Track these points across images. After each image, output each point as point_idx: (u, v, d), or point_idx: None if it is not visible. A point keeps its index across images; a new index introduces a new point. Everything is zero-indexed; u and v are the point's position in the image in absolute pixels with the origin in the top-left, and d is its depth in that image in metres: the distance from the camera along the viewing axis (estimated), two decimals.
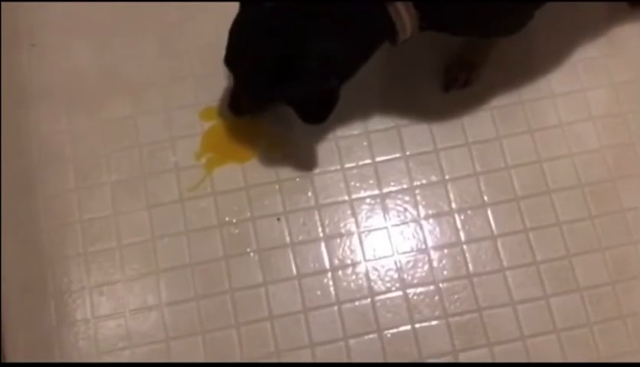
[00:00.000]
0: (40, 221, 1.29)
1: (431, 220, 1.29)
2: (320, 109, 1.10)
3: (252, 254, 1.27)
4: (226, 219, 1.29)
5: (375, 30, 1.07)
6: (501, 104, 1.35)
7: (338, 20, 1.03)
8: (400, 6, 1.02)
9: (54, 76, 1.38)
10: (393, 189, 1.31)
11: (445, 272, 1.26)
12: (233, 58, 1.14)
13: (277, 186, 1.30)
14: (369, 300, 1.25)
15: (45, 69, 1.39)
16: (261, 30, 1.07)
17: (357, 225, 1.29)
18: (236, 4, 1.27)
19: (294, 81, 1.05)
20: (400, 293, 1.25)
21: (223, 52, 1.30)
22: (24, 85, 1.38)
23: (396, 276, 1.26)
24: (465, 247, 1.27)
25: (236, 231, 1.28)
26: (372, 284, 1.25)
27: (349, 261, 1.27)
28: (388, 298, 1.25)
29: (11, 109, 1.35)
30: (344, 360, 1.22)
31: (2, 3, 1.38)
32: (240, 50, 1.11)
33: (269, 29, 1.06)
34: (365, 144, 1.32)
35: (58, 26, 1.41)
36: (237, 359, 1.22)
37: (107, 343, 1.22)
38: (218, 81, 1.36)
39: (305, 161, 1.30)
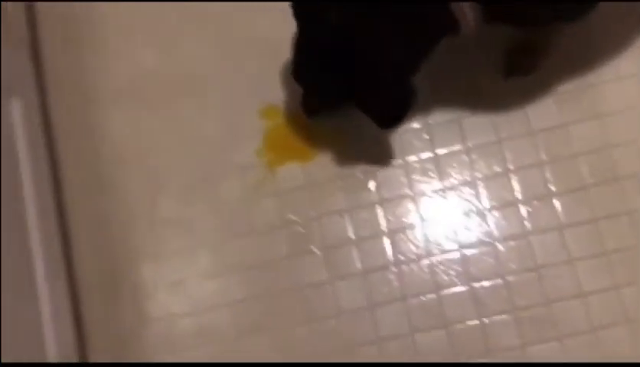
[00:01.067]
0: (112, 222, 1.34)
1: (495, 212, 1.27)
2: (397, 113, 1.11)
3: (317, 251, 1.28)
4: (291, 217, 1.30)
5: (439, 30, 1.06)
6: (565, 89, 1.31)
7: (405, 26, 1.03)
8: (465, 5, 1.00)
9: (120, 78, 1.41)
10: (456, 181, 1.30)
11: (511, 265, 1.24)
12: (304, 73, 1.17)
13: (339, 183, 1.31)
14: (435, 294, 1.25)
15: (111, 71, 1.42)
16: (331, 45, 1.08)
17: (421, 219, 1.29)
18: None
19: (372, 91, 1.07)
20: (466, 287, 1.24)
21: (283, 50, 1.32)
22: (91, 89, 1.41)
23: (461, 270, 1.25)
24: (531, 238, 1.25)
25: (301, 229, 1.29)
26: (437, 278, 1.25)
27: (413, 256, 1.27)
28: (454, 292, 1.24)
29: (81, 112, 1.40)
30: (411, 355, 1.23)
31: (64, 9, 1.42)
32: (312, 66, 1.13)
33: (338, 43, 1.06)
34: (426, 137, 1.31)
35: (120, 31, 1.43)
36: (307, 356, 1.24)
37: (182, 341, 1.27)
38: (279, 80, 1.37)
39: (366, 157, 1.30)
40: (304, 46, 1.13)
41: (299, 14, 1.11)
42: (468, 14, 1.01)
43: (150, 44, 1.43)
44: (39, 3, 1.44)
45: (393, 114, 1.12)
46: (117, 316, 1.29)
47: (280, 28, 1.33)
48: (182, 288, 1.29)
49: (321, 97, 1.20)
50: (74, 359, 1.15)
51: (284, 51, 1.32)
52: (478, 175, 1.29)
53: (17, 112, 1.10)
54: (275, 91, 1.37)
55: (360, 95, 1.11)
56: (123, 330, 1.29)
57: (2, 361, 0.92)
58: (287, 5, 1.26)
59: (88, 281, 1.31)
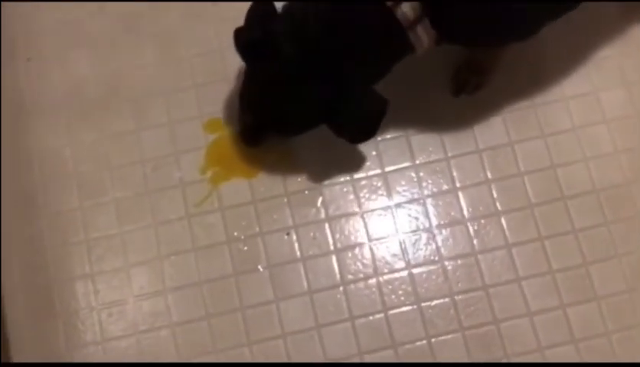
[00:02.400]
0: (45, 240, 1.27)
1: (444, 230, 1.26)
2: (369, 127, 1.11)
3: (262, 270, 1.24)
4: (235, 234, 1.26)
5: (397, 54, 1.08)
6: (512, 108, 1.32)
7: (362, 51, 1.04)
8: (420, 30, 1.01)
9: (53, 90, 1.35)
10: (404, 199, 1.28)
11: (459, 284, 1.23)
12: (264, 109, 1.15)
13: (285, 200, 1.27)
14: (383, 314, 1.23)
15: (43, 83, 1.35)
16: (295, 79, 1.06)
17: (369, 238, 1.26)
18: (236, 8, 1.23)
19: (342, 112, 1.07)
20: (414, 306, 1.23)
21: (224, 60, 1.32)
22: (22, 100, 1.34)
23: (409, 289, 1.23)
24: (479, 257, 1.25)
25: (245, 247, 1.25)
26: (385, 298, 1.23)
27: (361, 275, 1.24)
28: (402, 312, 1.22)
29: (11, 125, 1.32)
30: None
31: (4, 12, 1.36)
32: (274, 101, 1.11)
33: (301, 76, 1.06)
34: (374, 153, 1.30)
35: (55, 38, 1.37)
36: None
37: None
38: (221, 91, 1.33)
39: (313, 173, 1.27)
40: (261, 83, 1.12)
41: (249, 53, 1.10)
42: (422, 38, 1.03)
43: (86, 53, 1.36)
44: None
45: (369, 127, 1.11)
46: (48, 341, 1.22)
47: (219, 37, 1.31)
48: (119, 309, 1.23)
49: (292, 128, 1.18)
50: None
51: (228, 63, 1.31)
52: (427, 193, 1.28)
53: None
54: (218, 103, 1.33)
55: (331, 117, 1.10)
56: (54, 353, 1.21)
57: None
58: (226, 13, 1.28)
59: (17, 303, 1.23)
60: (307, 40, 1.03)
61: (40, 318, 1.23)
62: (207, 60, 1.35)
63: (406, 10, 0.99)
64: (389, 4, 0.99)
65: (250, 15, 1.10)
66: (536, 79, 1.33)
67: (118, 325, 1.22)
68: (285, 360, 1.21)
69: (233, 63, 1.31)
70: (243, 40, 1.10)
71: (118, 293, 1.23)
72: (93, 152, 1.31)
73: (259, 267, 1.24)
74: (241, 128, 1.27)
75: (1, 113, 1.31)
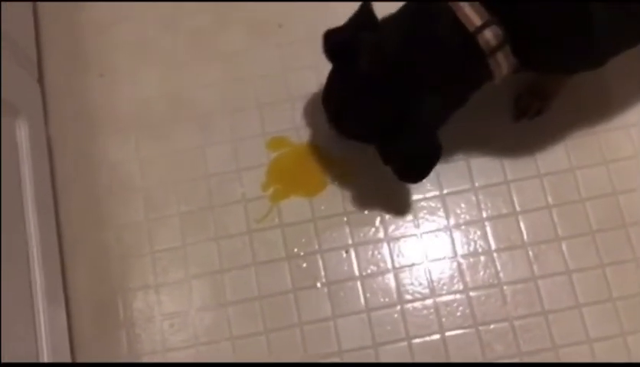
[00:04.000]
0: (110, 251, 1.31)
1: (503, 254, 1.26)
2: (423, 166, 1.09)
3: (320, 286, 1.25)
4: (294, 251, 1.28)
5: (474, 81, 1.06)
6: (574, 134, 1.31)
7: (441, 77, 1.03)
8: (500, 57, 1.00)
9: (123, 105, 1.39)
10: (462, 221, 1.28)
11: (518, 308, 1.23)
12: (335, 112, 1.16)
13: (345, 219, 1.29)
14: (439, 335, 1.23)
15: (114, 98, 1.40)
16: (368, 90, 1.06)
17: (427, 258, 1.27)
18: (299, 31, 1.35)
19: (403, 139, 1.05)
20: (472, 329, 1.22)
21: (287, 82, 1.36)
22: (93, 114, 1.39)
23: (467, 311, 1.23)
24: (539, 282, 1.24)
25: (304, 264, 1.27)
26: (442, 319, 1.23)
27: (419, 295, 1.25)
28: (459, 335, 1.23)
29: (81, 138, 1.37)
30: None
31: (70, 32, 1.40)
32: (344, 108, 1.12)
33: (375, 89, 1.05)
34: (433, 176, 1.30)
35: (126, 56, 1.42)
36: None
37: None
38: (284, 110, 1.36)
39: (373, 193, 1.29)
40: (338, 86, 1.13)
41: (336, 55, 1.11)
42: (502, 65, 1.01)
43: (155, 71, 1.41)
44: (45, 25, 1.41)
45: (420, 169, 1.10)
46: (110, 348, 1.25)
47: (283, 59, 1.35)
48: (180, 321, 1.26)
49: (362, 139, 1.18)
50: None
51: (290, 85, 1.35)
52: (486, 216, 1.28)
53: (23, 133, 1.07)
54: (280, 122, 1.36)
55: (386, 148, 1.10)
56: (116, 361, 1.24)
57: None
58: (291, 36, 1.32)
59: (82, 312, 1.27)
60: (386, 58, 1.03)
61: (105, 327, 1.27)
62: (270, 81, 1.38)
63: (488, 36, 0.98)
64: (472, 30, 0.98)
65: (351, 18, 1.10)
66: (598, 105, 1.33)
67: (179, 336, 1.25)
68: None
69: (296, 84, 1.35)
70: (333, 41, 1.11)
71: (180, 304, 1.26)
72: (159, 167, 1.34)
73: (318, 283, 1.26)
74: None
75: (71, 126, 1.35)
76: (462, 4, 0.98)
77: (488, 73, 1.03)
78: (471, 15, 0.97)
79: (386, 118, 1.05)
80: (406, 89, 1.02)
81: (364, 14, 1.08)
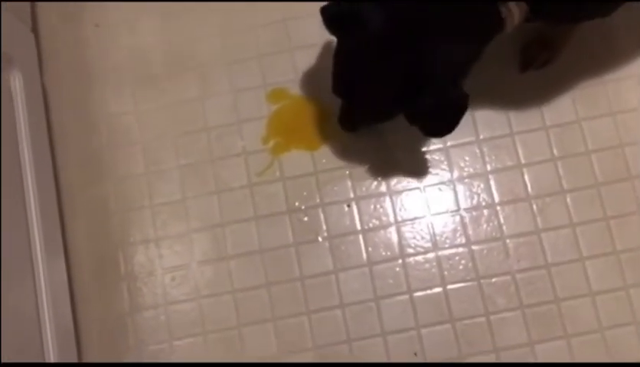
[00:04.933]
0: (110, 204, 1.30)
1: (506, 207, 1.25)
2: (449, 118, 1.03)
3: (322, 240, 1.24)
4: (296, 204, 1.27)
5: (487, 30, 1.01)
6: (580, 85, 1.29)
7: (453, 26, 0.98)
8: (512, 4, 0.97)
9: (120, 56, 1.36)
10: (466, 174, 1.27)
11: (521, 262, 1.22)
12: (349, 87, 1.09)
13: (347, 172, 1.27)
14: (441, 288, 1.22)
15: (110, 49, 1.37)
16: (378, 54, 1.00)
17: (430, 212, 1.26)
18: None
19: (424, 96, 0.99)
20: (474, 283, 1.22)
21: (288, 31, 1.33)
22: (89, 66, 1.36)
23: (470, 265, 1.23)
24: (542, 235, 1.23)
25: (306, 218, 1.25)
26: (444, 272, 1.23)
27: (421, 249, 1.24)
28: (461, 288, 1.22)
29: (78, 90, 1.35)
30: (417, 349, 1.20)
31: None
32: (358, 78, 1.05)
33: (386, 50, 1.00)
34: None
35: (122, 5, 1.38)
36: (309, 346, 1.22)
37: (180, 329, 1.23)
38: (285, 60, 1.33)
39: (375, 147, 1.27)
40: (346, 59, 1.06)
41: (337, 26, 1.06)
42: (514, 13, 0.98)
43: (152, 20, 1.37)
44: None
45: (448, 122, 1.04)
46: (112, 302, 1.25)
47: (285, 8, 1.32)
48: (182, 274, 1.25)
49: (376, 109, 1.11)
50: (71, 341, 1.10)
51: (292, 34, 1.33)
52: (490, 168, 1.26)
53: (18, 84, 1.04)
54: (281, 73, 1.33)
55: (414, 106, 1.02)
56: (118, 316, 1.25)
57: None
58: None
59: (82, 266, 1.26)
60: (395, 14, 0.98)
61: (105, 281, 1.26)
62: (272, 31, 1.35)
63: None
64: None
65: None
66: (606, 55, 1.30)
67: (180, 289, 1.25)
68: (342, 330, 1.21)
69: (297, 34, 1.32)
70: (330, 12, 1.06)
71: (181, 258, 1.26)
72: (158, 119, 1.32)
73: (319, 237, 1.25)
74: (339, 111, 1.23)
75: (68, 78, 1.33)
76: None
77: (499, 21, 0.99)
78: None
79: (404, 75, 1.00)
80: (418, 42, 0.98)
81: None
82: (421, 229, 1.25)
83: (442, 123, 1.04)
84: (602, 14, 1.07)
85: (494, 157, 1.27)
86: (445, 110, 1.02)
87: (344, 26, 1.04)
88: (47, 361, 1.01)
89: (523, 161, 1.27)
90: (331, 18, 1.06)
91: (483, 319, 1.21)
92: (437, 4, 0.97)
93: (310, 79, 1.31)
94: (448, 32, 0.98)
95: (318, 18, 1.07)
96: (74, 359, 1.11)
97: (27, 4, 1.22)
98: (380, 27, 0.99)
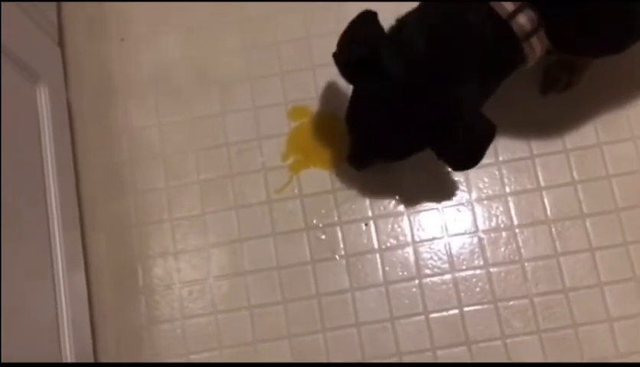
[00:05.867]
0: (130, 217, 1.31)
1: (525, 230, 1.25)
2: (475, 154, 1.04)
3: (339, 258, 1.25)
4: (314, 222, 1.27)
5: (508, 67, 1.02)
6: (602, 109, 1.28)
7: (477, 67, 0.99)
8: (535, 41, 0.97)
9: (144, 70, 1.38)
10: (485, 196, 1.26)
11: (539, 285, 1.22)
12: (373, 133, 1.09)
13: (365, 191, 1.28)
14: (458, 310, 1.22)
15: (135, 63, 1.39)
16: (404, 100, 1.00)
17: (447, 232, 1.25)
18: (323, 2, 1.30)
19: (453, 134, 1.00)
20: (491, 305, 1.22)
21: (311, 49, 1.34)
22: (113, 79, 1.38)
23: (487, 287, 1.22)
24: (561, 259, 1.23)
25: (323, 236, 1.26)
26: (461, 294, 1.23)
27: (438, 270, 1.24)
28: (478, 310, 1.22)
29: (102, 103, 1.37)
30: None
31: None
32: (384, 125, 1.05)
33: (411, 97, 1.00)
34: None
35: (147, 20, 1.40)
36: None
37: (196, 343, 1.24)
38: (307, 79, 1.34)
39: (394, 166, 1.27)
40: (369, 105, 1.06)
41: (355, 73, 1.05)
42: (536, 49, 0.99)
43: (177, 35, 1.39)
44: None
45: (479, 153, 1.04)
46: (129, 315, 1.26)
47: (306, 26, 1.34)
48: (199, 288, 1.26)
49: (401, 151, 1.12)
50: (89, 352, 1.12)
51: (314, 52, 1.34)
52: (509, 190, 1.26)
53: (44, 99, 1.06)
54: (302, 90, 1.34)
55: (443, 145, 1.03)
56: (135, 328, 1.26)
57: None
58: (320, 5, 1.32)
59: (101, 277, 1.27)
60: (416, 60, 0.98)
61: (124, 293, 1.28)
62: (294, 48, 1.36)
63: (522, 21, 0.95)
64: (505, 16, 0.95)
65: (354, 31, 1.05)
66: (629, 79, 1.29)
67: (197, 303, 1.26)
68: (357, 348, 1.21)
69: (320, 52, 1.33)
70: (347, 58, 1.05)
71: (198, 272, 1.27)
72: (180, 133, 1.34)
73: (337, 255, 1.25)
74: (349, 149, 1.24)
75: (91, 91, 1.35)
76: None
77: (521, 57, 1.00)
78: (504, 1, 0.94)
79: (430, 118, 1.00)
80: (443, 87, 0.98)
81: (370, 22, 1.03)
82: (438, 250, 1.25)
83: (471, 155, 1.04)
84: (618, 51, 1.07)
85: (513, 180, 1.27)
86: (475, 144, 1.02)
87: (361, 72, 1.03)
88: None
89: (543, 184, 1.26)
90: (348, 65, 1.05)
91: (499, 342, 1.20)
92: (460, 46, 0.97)
93: (331, 98, 1.32)
94: (472, 73, 0.99)
95: (338, 36, 1.08)
96: None
97: (55, 19, 1.23)
98: (403, 74, 0.98)
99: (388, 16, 1.05)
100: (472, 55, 0.98)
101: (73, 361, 1.00)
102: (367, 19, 1.04)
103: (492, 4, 0.95)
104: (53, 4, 1.25)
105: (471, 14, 0.96)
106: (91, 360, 1.11)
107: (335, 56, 1.06)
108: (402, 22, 1.03)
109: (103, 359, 1.20)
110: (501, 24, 0.95)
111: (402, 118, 1.02)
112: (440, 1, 1.00)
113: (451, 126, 0.99)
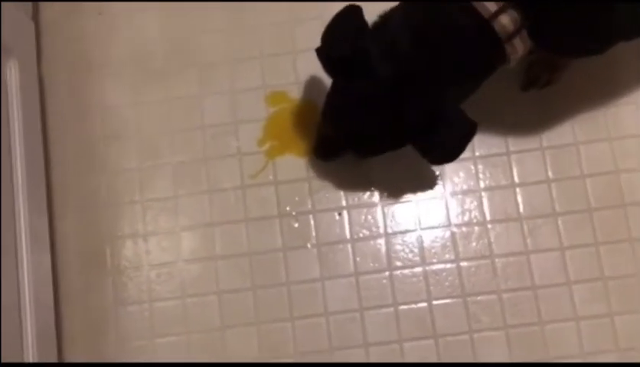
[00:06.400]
0: (101, 197, 1.29)
1: (497, 226, 1.25)
2: (456, 151, 1.04)
3: (311, 247, 1.24)
4: (287, 209, 1.26)
5: (490, 66, 1.02)
6: (580, 108, 1.28)
7: (461, 68, 0.99)
8: (517, 41, 0.96)
9: (121, 47, 1.36)
10: (460, 190, 1.26)
11: (508, 282, 1.22)
12: (353, 129, 1.07)
13: (340, 180, 1.27)
14: (426, 304, 1.22)
15: (112, 39, 1.36)
16: (390, 100, 0.99)
17: (420, 225, 1.25)
18: None
19: (436, 132, 0.99)
20: (459, 300, 1.22)
21: (293, 33, 1.32)
22: (89, 55, 1.36)
23: (456, 282, 1.22)
24: (531, 256, 1.23)
25: (296, 224, 1.25)
26: (431, 287, 1.23)
27: (409, 262, 1.24)
28: (447, 304, 1.22)
29: (76, 81, 1.34)
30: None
31: None
32: (368, 123, 1.04)
33: (397, 97, 0.99)
34: None
35: None
36: (290, 352, 1.22)
37: (163, 326, 1.23)
38: (287, 63, 1.32)
39: (371, 158, 1.26)
40: (353, 103, 1.04)
41: (339, 70, 1.04)
42: (518, 49, 0.98)
43: (158, 12, 1.37)
44: None
45: (459, 150, 1.04)
46: (96, 295, 1.25)
47: (291, 9, 1.32)
48: (168, 271, 1.25)
49: (379, 147, 1.10)
50: (52, 332, 1.10)
51: (297, 37, 1.32)
52: (484, 186, 1.26)
53: (14, 74, 1.04)
54: (282, 76, 1.32)
55: (422, 144, 1.03)
56: (101, 310, 1.25)
57: None
58: None
59: (69, 256, 1.26)
60: (401, 60, 0.97)
61: (91, 273, 1.26)
62: (276, 32, 1.34)
63: (505, 22, 0.94)
64: (487, 16, 0.94)
65: (338, 27, 1.03)
66: (607, 80, 1.29)
67: (165, 286, 1.25)
68: (325, 338, 1.21)
69: (302, 37, 1.31)
70: (332, 55, 1.03)
71: (168, 255, 1.26)
72: (155, 114, 1.32)
73: (308, 244, 1.25)
74: (317, 140, 1.24)
75: (66, 66, 1.32)
76: None
77: (503, 57, 0.99)
78: (486, 1, 0.93)
79: (416, 118, 1.00)
80: (429, 88, 0.98)
81: (355, 17, 1.02)
82: (410, 243, 1.25)
83: (452, 152, 1.04)
84: (600, 52, 1.07)
85: (488, 175, 1.26)
86: (456, 142, 1.02)
87: (345, 69, 1.02)
88: (24, 350, 1.01)
89: (517, 181, 1.26)
90: (331, 61, 1.04)
91: (466, 336, 1.21)
92: (444, 46, 0.97)
93: (310, 85, 1.30)
94: (455, 73, 0.99)
95: (323, 22, 1.06)
96: (54, 351, 1.11)
97: None
98: (391, 75, 0.98)
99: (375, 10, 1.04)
100: (455, 55, 0.97)
101: (34, 340, 0.99)
102: (352, 14, 1.02)
103: (475, 4, 0.93)
104: None
105: (455, 15, 0.95)
106: (53, 340, 1.10)
107: (318, 51, 1.04)
108: (385, 18, 1.02)
109: (67, 339, 1.19)
110: (484, 24, 0.94)
111: (386, 117, 1.01)
112: (424, 0, 0.98)
113: (434, 125, 0.98)
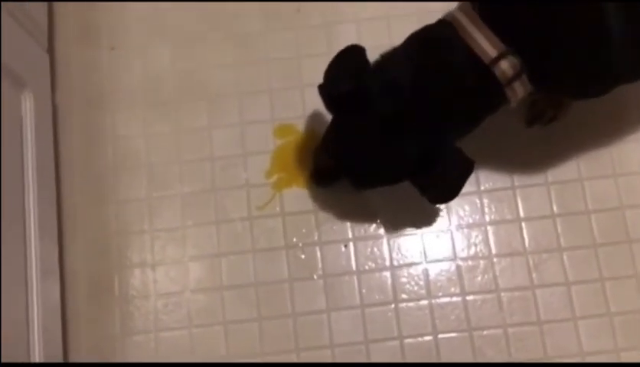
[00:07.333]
0: (110, 226, 1.30)
1: (503, 260, 1.25)
2: (453, 190, 1.07)
3: (317, 278, 1.25)
4: (294, 240, 1.27)
5: (491, 108, 1.04)
6: (586, 144, 1.29)
7: (461, 109, 1.02)
8: (517, 85, 0.99)
9: (133, 80, 1.38)
10: (465, 224, 1.27)
11: (514, 316, 1.22)
12: (354, 164, 1.10)
13: (346, 212, 1.28)
14: (432, 337, 1.22)
15: (124, 72, 1.39)
16: (391, 136, 1.02)
17: (425, 258, 1.26)
18: (316, 20, 1.34)
19: (435, 170, 1.02)
20: (465, 334, 1.22)
21: (301, 68, 1.35)
22: (102, 87, 1.38)
23: (462, 316, 1.23)
24: (537, 291, 1.23)
25: (303, 255, 1.26)
26: (436, 321, 1.23)
27: (414, 295, 1.24)
28: (452, 338, 1.22)
29: (88, 111, 1.37)
30: None
31: (83, 3, 1.40)
32: (369, 158, 1.07)
33: (398, 133, 1.02)
34: None
35: (139, 30, 1.40)
36: None
37: (168, 357, 1.23)
38: (295, 97, 1.35)
39: (377, 191, 1.27)
40: (354, 138, 1.07)
41: (340, 106, 1.07)
42: (518, 92, 1.00)
43: (168, 47, 1.40)
44: None
45: (458, 188, 1.07)
46: (103, 324, 1.26)
47: (298, 45, 1.35)
48: (175, 301, 1.26)
49: (377, 182, 1.13)
50: (59, 360, 1.11)
51: (304, 71, 1.35)
52: (489, 220, 1.27)
53: (29, 105, 1.06)
54: (290, 109, 1.35)
55: (421, 182, 1.06)
56: (108, 338, 1.25)
57: None
58: (308, 21, 1.33)
59: (77, 285, 1.27)
60: (401, 96, 1.00)
61: (99, 302, 1.27)
62: (284, 67, 1.37)
63: (504, 67, 0.96)
64: (487, 61, 0.96)
65: (339, 65, 1.07)
66: (613, 116, 1.31)
67: (172, 316, 1.25)
68: None
69: (310, 72, 1.33)
70: (332, 92, 1.06)
71: (175, 285, 1.27)
72: (165, 145, 1.34)
73: (315, 275, 1.25)
74: (314, 167, 1.27)
75: (79, 98, 1.35)
76: (475, 35, 0.96)
77: (504, 99, 1.01)
78: (486, 47, 0.96)
79: (413, 154, 1.02)
80: (428, 124, 1.01)
81: (357, 55, 1.05)
82: (416, 275, 1.26)
83: (449, 190, 1.07)
84: (600, 95, 1.08)
85: (493, 209, 1.27)
86: (453, 181, 1.05)
87: (346, 105, 1.04)
88: None
89: (522, 215, 1.27)
90: (333, 97, 1.06)
91: None
92: (445, 88, 0.99)
93: (317, 118, 1.32)
94: (455, 114, 1.01)
95: (330, 57, 1.09)
96: None
97: (45, 25, 1.23)
98: (390, 111, 1.00)
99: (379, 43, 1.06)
100: (455, 97, 0.99)
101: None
102: (354, 52, 1.05)
103: (474, 48, 0.96)
104: (44, 9, 1.24)
105: (455, 58, 0.98)
106: None
107: (321, 87, 1.07)
108: (386, 58, 1.04)
109: None
110: (484, 69, 0.96)
111: (383, 152, 1.03)
112: (424, 42, 1.01)
113: (431, 163, 1.00)
